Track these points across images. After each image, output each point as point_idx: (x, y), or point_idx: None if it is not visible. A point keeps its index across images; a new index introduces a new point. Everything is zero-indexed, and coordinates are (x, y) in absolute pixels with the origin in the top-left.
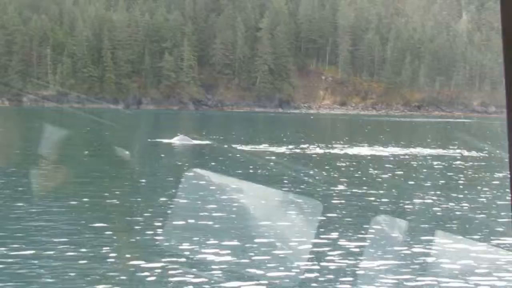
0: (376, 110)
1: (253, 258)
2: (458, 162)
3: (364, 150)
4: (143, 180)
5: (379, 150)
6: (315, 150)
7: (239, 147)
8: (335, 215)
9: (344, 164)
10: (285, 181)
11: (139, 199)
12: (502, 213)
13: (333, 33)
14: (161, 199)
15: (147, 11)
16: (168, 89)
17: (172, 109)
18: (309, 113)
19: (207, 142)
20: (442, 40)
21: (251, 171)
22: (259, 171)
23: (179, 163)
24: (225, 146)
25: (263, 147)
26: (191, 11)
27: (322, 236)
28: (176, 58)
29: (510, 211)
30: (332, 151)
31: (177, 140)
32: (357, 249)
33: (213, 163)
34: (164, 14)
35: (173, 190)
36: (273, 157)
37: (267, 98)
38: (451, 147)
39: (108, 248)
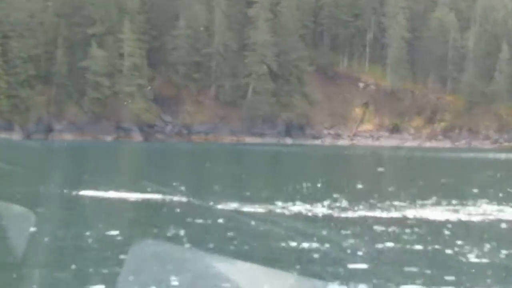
0: (452, 141)
1: None
2: None
3: (440, 214)
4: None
5: (468, 213)
6: (354, 212)
7: (221, 206)
8: None
9: (406, 238)
10: (305, 264)
11: None
12: None
13: (377, 11)
14: None
15: None
16: (98, 107)
17: (104, 140)
18: (338, 145)
19: (166, 196)
20: None
21: (245, 246)
22: (259, 246)
23: (120, 232)
24: (197, 203)
25: (264, 206)
26: None
27: None
28: (111, 53)
29: None
30: (379, 214)
31: (114, 193)
32: None
33: (178, 230)
34: None
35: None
36: (283, 223)
37: (266, 121)
38: None
39: None
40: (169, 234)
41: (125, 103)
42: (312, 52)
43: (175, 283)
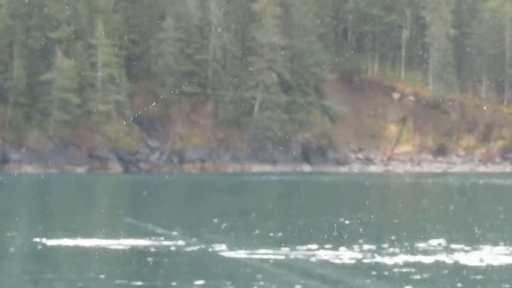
0: None
1: None
2: None
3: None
4: None
5: None
6: (395, 256)
7: (226, 252)
8: None
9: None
10: None
11: None
12: None
13: (414, 2)
14: None
15: None
16: (66, 131)
17: (74, 173)
18: (369, 172)
19: (155, 241)
20: None
21: None
22: None
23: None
24: (195, 248)
25: (280, 250)
26: None
27: None
28: (81, 63)
29: None
30: (428, 257)
31: (88, 241)
32: None
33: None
34: None
35: None
36: (306, 271)
37: (278, 144)
38: None
39: None
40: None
41: (100, 125)
42: (334, 55)
43: None
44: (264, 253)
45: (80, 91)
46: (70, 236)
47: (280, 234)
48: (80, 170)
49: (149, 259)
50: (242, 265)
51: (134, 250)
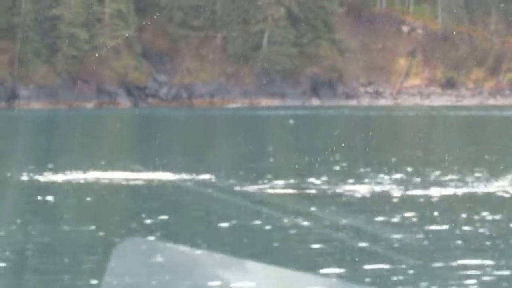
0: None
1: None
2: None
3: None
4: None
5: None
6: (405, 191)
7: (238, 187)
8: None
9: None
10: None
11: None
12: None
13: None
14: None
15: None
16: (74, 66)
17: (83, 107)
18: (378, 106)
19: (161, 177)
20: None
21: (258, 242)
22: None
23: (98, 227)
24: (205, 185)
25: (290, 184)
26: None
27: None
28: None
29: None
30: (440, 190)
31: (95, 174)
32: None
33: (171, 223)
34: None
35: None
36: (313, 208)
37: (286, 77)
38: None
39: None
40: (161, 229)
41: (108, 60)
42: None
43: None
44: (268, 189)
45: (88, 26)
46: (76, 170)
47: (285, 170)
48: (89, 105)
49: (157, 195)
50: (252, 198)
51: (136, 186)
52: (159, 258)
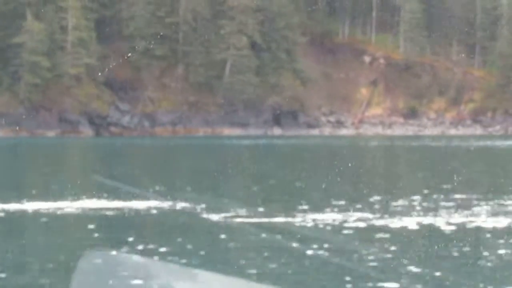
0: (483, 126)
1: None
2: None
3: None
4: None
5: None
6: (369, 221)
7: (205, 214)
8: None
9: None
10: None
11: None
12: None
13: None
14: None
15: None
16: (36, 94)
17: (45, 136)
18: (340, 135)
19: (128, 202)
20: None
21: (242, 261)
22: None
23: (63, 244)
24: (168, 206)
25: (258, 214)
26: None
27: None
28: (52, 26)
29: None
30: (398, 222)
31: (59, 203)
32: None
33: (141, 240)
34: None
35: None
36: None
37: (249, 107)
38: None
39: None
40: (130, 243)
41: (70, 89)
42: (305, 18)
43: None
44: (239, 214)
45: (50, 54)
46: (38, 199)
47: (246, 193)
48: (51, 133)
49: (123, 219)
50: (216, 224)
51: (106, 210)
52: (121, 270)
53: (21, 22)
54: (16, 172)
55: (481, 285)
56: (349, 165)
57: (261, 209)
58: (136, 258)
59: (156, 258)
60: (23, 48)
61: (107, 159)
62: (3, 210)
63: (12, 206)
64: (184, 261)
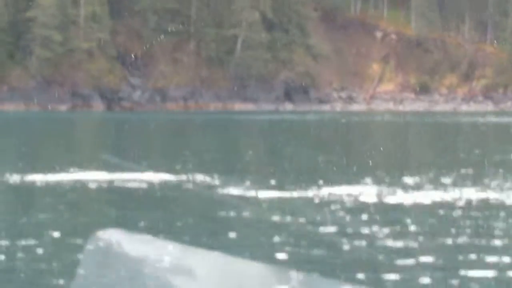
0: (494, 103)
1: None
2: None
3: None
4: None
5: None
6: (374, 194)
7: (216, 189)
8: None
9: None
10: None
11: None
12: None
13: None
14: None
15: None
16: (48, 68)
17: (57, 110)
18: (351, 111)
19: (140, 175)
20: None
21: (238, 237)
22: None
23: (75, 222)
24: (181, 183)
25: (264, 188)
26: None
27: None
28: (63, 0)
29: None
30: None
31: (70, 175)
32: None
33: (152, 218)
34: None
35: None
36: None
37: (260, 82)
38: None
39: None
40: (142, 222)
41: (82, 63)
42: None
43: (150, 283)
44: (245, 191)
45: (62, 29)
46: (51, 172)
47: (254, 169)
48: (63, 108)
49: (130, 193)
50: (234, 199)
51: (115, 184)
52: (138, 251)
53: None
54: (25, 145)
55: (495, 258)
56: (362, 140)
57: (274, 185)
58: (147, 237)
59: (166, 236)
60: (34, 22)
61: (119, 134)
62: (15, 180)
63: (14, 178)
64: (193, 239)
